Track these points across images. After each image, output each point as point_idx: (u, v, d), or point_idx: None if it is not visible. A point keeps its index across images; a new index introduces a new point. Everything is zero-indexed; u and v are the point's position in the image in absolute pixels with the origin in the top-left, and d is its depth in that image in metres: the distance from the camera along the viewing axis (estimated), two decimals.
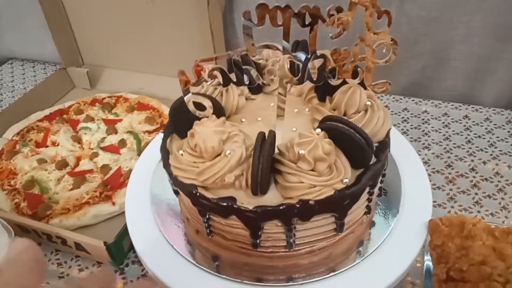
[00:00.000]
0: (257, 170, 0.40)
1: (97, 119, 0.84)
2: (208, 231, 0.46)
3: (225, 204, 0.41)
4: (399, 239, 0.48)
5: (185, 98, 0.44)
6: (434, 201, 0.63)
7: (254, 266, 0.47)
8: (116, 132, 0.80)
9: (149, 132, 0.79)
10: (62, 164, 0.73)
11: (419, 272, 0.55)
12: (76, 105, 0.88)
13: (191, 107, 0.45)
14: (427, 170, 0.68)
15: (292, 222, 0.41)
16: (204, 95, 0.48)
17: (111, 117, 0.85)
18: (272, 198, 0.42)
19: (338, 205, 0.42)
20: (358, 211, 0.46)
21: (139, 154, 0.72)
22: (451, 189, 0.66)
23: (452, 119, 0.80)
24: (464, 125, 0.78)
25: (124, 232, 0.58)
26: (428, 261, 0.49)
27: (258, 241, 0.43)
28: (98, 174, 0.71)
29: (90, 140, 0.79)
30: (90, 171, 0.72)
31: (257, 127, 0.46)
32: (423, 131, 0.78)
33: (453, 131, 0.77)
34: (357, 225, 0.48)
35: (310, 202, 0.40)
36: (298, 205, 0.40)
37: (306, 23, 0.47)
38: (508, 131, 0.76)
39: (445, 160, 0.71)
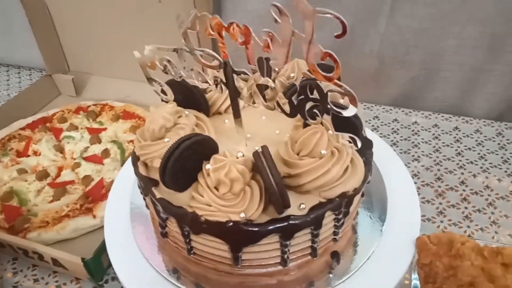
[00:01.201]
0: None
1: (81, 128, 0.82)
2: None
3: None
4: (386, 256, 0.47)
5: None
6: (423, 215, 0.62)
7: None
8: (100, 142, 0.78)
9: (134, 142, 0.77)
10: (42, 175, 0.71)
11: None
12: (60, 113, 0.86)
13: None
14: (416, 183, 0.68)
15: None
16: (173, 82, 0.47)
17: (95, 125, 0.83)
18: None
19: (227, 235, 0.40)
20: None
21: (122, 165, 0.70)
22: (440, 203, 0.65)
23: (442, 130, 0.79)
24: (454, 137, 0.77)
25: (103, 248, 0.55)
26: (415, 280, 0.47)
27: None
28: (80, 185, 0.69)
29: (73, 149, 0.77)
30: (71, 182, 0.70)
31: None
32: (413, 142, 0.77)
33: (443, 143, 0.76)
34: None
35: (200, 218, 0.39)
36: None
37: None
38: (499, 144, 0.75)
39: (435, 173, 0.70)
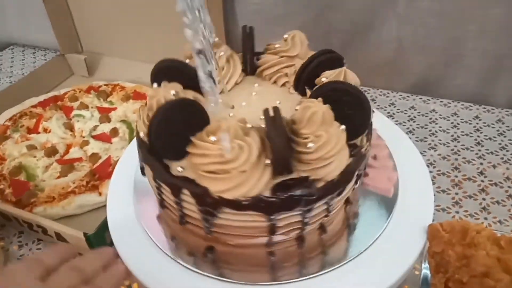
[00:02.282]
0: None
1: (91, 107, 0.81)
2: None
3: None
4: (395, 243, 0.44)
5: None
6: (437, 205, 0.60)
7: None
8: (109, 121, 0.77)
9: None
10: (51, 151, 0.71)
11: (417, 280, 0.51)
12: (71, 92, 0.86)
13: None
14: (431, 172, 0.65)
15: None
16: None
17: (105, 105, 0.82)
18: None
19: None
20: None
21: None
22: (456, 193, 0.62)
23: (462, 119, 0.75)
24: (474, 126, 0.74)
25: (106, 224, 0.55)
26: (425, 269, 0.45)
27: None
28: (87, 163, 0.69)
29: (82, 128, 0.77)
30: (79, 159, 0.69)
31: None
32: (430, 130, 0.73)
33: (462, 132, 0.73)
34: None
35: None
36: None
37: None
38: None
39: (452, 162, 0.67)
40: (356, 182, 0.43)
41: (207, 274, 0.42)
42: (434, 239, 0.43)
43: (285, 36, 0.50)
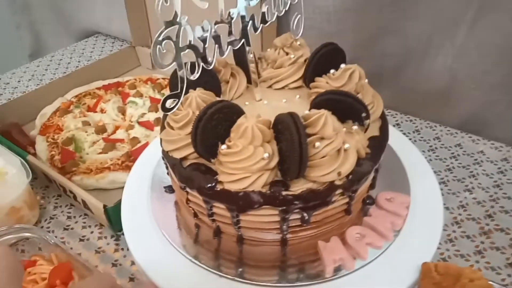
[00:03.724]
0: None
1: (145, 96, 0.88)
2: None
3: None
4: (388, 272, 0.43)
5: None
6: (457, 250, 0.56)
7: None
8: (157, 111, 0.84)
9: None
10: (100, 129, 0.78)
11: None
12: (132, 81, 0.94)
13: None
14: (460, 214, 0.61)
15: None
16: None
17: (158, 96, 0.89)
18: None
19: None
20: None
21: None
22: (482, 242, 0.57)
23: (511, 166, 0.69)
24: None
25: None
26: None
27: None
28: (127, 144, 0.75)
29: (132, 113, 0.84)
30: (122, 140, 0.76)
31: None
32: (472, 172, 0.68)
33: (508, 179, 0.66)
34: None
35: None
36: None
37: None
38: None
39: (487, 209, 0.62)
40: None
41: (227, 276, 0.44)
42: (425, 278, 0.41)
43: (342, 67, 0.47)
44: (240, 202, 0.41)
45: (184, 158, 0.44)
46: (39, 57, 1.17)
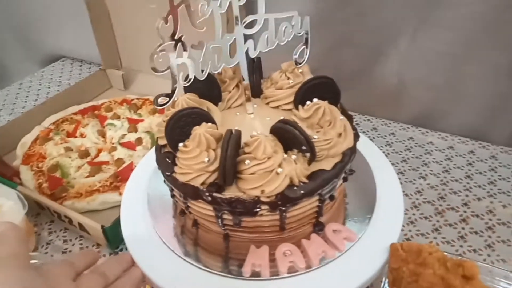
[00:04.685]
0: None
1: (123, 117, 0.93)
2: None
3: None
4: (363, 255, 0.51)
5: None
6: (418, 230, 0.65)
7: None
8: (136, 131, 0.88)
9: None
10: (84, 154, 0.82)
11: None
12: (107, 103, 0.98)
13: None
14: (418, 199, 0.70)
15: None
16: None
17: (135, 116, 0.93)
18: None
19: None
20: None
21: None
22: (438, 221, 0.67)
23: (457, 152, 0.80)
24: (468, 160, 0.78)
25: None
26: (385, 284, 0.51)
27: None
28: (113, 166, 0.79)
29: (112, 135, 0.88)
30: (106, 162, 0.80)
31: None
32: (424, 161, 0.79)
33: (455, 164, 0.77)
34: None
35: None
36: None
37: None
38: None
39: (439, 192, 0.72)
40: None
41: (220, 273, 0.50)
42: (393, 256, 0.49)
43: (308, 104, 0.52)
44: (185, 192, 0.50)
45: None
46: (3, 84, 1.18)
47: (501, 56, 0.75)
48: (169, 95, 0.51)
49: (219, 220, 0.51)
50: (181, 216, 0.58)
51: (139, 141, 0.84)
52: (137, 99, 0.99)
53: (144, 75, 1.10)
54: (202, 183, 0.48)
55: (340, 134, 0.50)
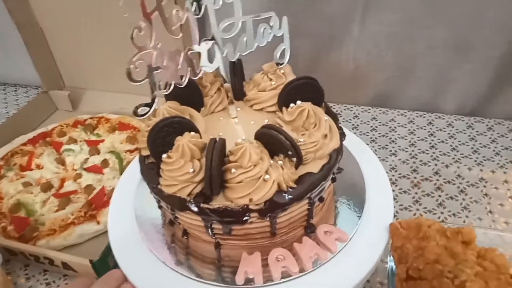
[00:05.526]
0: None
1: (80, 141, 0.87)
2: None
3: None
4: (364, 242, 0.52)
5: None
6: (400, 205, 0.69)
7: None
8: (98, 153, 0.83)
9: (131, 151, 0.82)
10: (47, 187, 0.76)
11: (386, 273, 0.59)
12: (58, 128, 0.91)
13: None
14: (393, 175, 0.74)
15: None
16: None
17: (93, 138, 0.88)
18: None
19: None
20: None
21: (121, 173, 0.75)
22: (416, 193, 0.71)
23: (417, 126, 0.85)
24: (428, 131, 0.84)
25: (108, 249, 0.60)
26: (391, 262, 0.53)
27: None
28: (82, 194, 0.74)
29: (73, 161, 0.82)
30: (74, 191, 0.75)
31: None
32: (390, 138, 0.83)
33: (418, 137, 0.82)
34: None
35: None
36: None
37: None
38: (469, 135, 0.81)
39: (411, 165, 0.76)
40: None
41: (214, 283, 0.49)
42: (395, 235, 0.52)
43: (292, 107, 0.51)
44: (171, 203, 0.49)
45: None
46: None
47: (444, 32, 0.81)
48: (149, 105, 0.48)
49: (209, 229, 0.50)
50: (170, 226, 0.57)
51: (105, 163, 0.80)
52: (91, 118, 0.93)
53: (91, 93, 1.03)
54: (189, 194, 0.47)
55: (325, 136, 0.50)
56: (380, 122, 0.87)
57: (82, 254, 0.62)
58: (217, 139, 0.46)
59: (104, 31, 0.91)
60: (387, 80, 0.90)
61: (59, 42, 0.98)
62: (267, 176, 0.45)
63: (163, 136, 0.48)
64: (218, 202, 0.46)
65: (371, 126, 0.87)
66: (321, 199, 0.53)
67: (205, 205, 0.47)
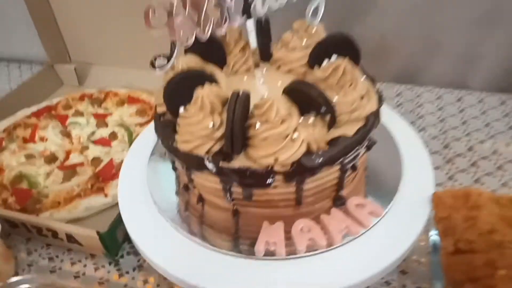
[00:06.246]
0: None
1: (86, 114, 0.82)
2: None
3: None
4: (401, 215, 0.47)
5: None
6: None
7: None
8: (106, 126, 0.78)
9: (141, 125, 0.77)
10: (51, 159, 0.71)
11: (423, 250, 0.54)
12: (64, 101, 0.86)
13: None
14: None
15: None
16: None
17: (100, 111, 0.83)
18: None
19: None
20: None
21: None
22: (450, 169, 0.66)
23: (446, 102, 0.80)
24: (458, 107, 0.78)
25: (117, 222, 0.55)
26: (434, 235, 0.48)
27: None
28: (89, 167, 0.69)
29: (79, 134, 0.77)
30: (81, 164, 0.70)
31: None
32: (417, 114, 0.77)
33: (448, 113, 0.77)
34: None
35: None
36: None
37: None
38: (502, 112, 0.76)
39: (442, 141, 0.71)
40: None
41: (230, 253, 0.44)
42: (439, 205, 0.46)
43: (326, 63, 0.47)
44: (188, 163, 0.45)
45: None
46: None
47: (474, 4, 0.75)
48: (168, 57, 0.43)
49: (227, 194, 0.45)
50: (185, 192, 0.52)
51: (113, 136, 0.75)
52: (98, 92, 0.88)
53: (98, 68, 0.98)
54: (207, 152, 0.42)
55: (362, 97, 0.45)
56: (405, 99, 0.82)
57: (88, 228, 0.56)
58: (241, 92, 0.41)
59: (113, 3, 0.87)
60: (412, 55, 0.84)
61: (65, 14, 0.93)
62: (295, 135, 0.40)
63: (182, 90, 0.44)
64: (239, 162, 0.42)
65: (396, 102, 0.81)
66: (354, 168, 0.48)
67: (225, 165, 0.42)
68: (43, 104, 0.86)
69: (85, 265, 0.58)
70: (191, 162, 0.44)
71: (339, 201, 0.48)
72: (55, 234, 0.57)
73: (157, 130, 0.49)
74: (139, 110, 0.80)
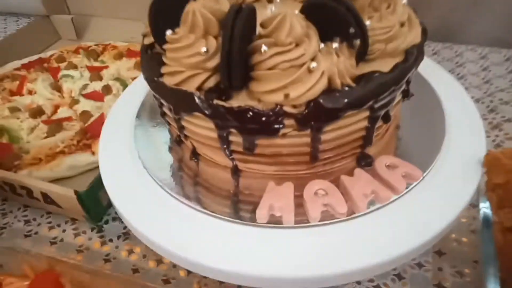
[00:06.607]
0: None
1: (81, 67, 0.74)
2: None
3: None
4: (444, 181, 0.37)
5: None
6: None
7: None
8: (101, 79, 0.70)
9: None
10: (36, 112, 0.63)
11: (464, 228, 0.44)
12: (58, 54, 0.78)
13: None
14: None
15: None
16: None
17: (96, 64, 0.74)
18: None
19: None
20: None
21: None
22: (497, 135, 0.55)
23: (492, 61, 0.68)
24: (506, 68, 0.67)
25: (100, 181, 0.47)
26: (485, 209, 0.38)
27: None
28: (78, 122, 0.61)
29: (71, 87, 0.69)
30: (68, 118, 0.62)
31: None
32: (459, 74, 0.66)
33: (494, 73, 0.66)
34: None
35: None
36: None
37: None
38: None
39: (487, 104, 0.60)
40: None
41: (228, 219, 0.36)
42: (493, 169, 0.36)
43: None
44: (176, 101, 0.36)
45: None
46: None
47: None
48: None
49: (224, 144, 0.36)
50: (177, 147, 0.43)
51: (106, 89, 0.66)
52: (96, 45, 0.80)
53: (98, 20, 0.90)
54: (199, 88, 0.33)
55: (402, 24, 0.35)
56: (443, 57, 0.71)
57: (73, 188, 0.49)
58: (243, 6, 0.32)
59: None
60: (452, 10, 0.73)
61: None
62: (313, 64, 0.30)
63: (171, 10, 0.34)
64: (239, 101, 0.32)
65: (434, 60, 0.70)
66: (387, 118, 0.38)
67: (221, 103, 0.32)
68: (36, 56, 0.79)
69: (64, 230, 0.50)
70: (179, 101, 0.35)
71: (364, 160, 0.38)
72: (30, 192, 0.50)
73: (142, 66, 0.40)
74: (138, 64, 0.71)
